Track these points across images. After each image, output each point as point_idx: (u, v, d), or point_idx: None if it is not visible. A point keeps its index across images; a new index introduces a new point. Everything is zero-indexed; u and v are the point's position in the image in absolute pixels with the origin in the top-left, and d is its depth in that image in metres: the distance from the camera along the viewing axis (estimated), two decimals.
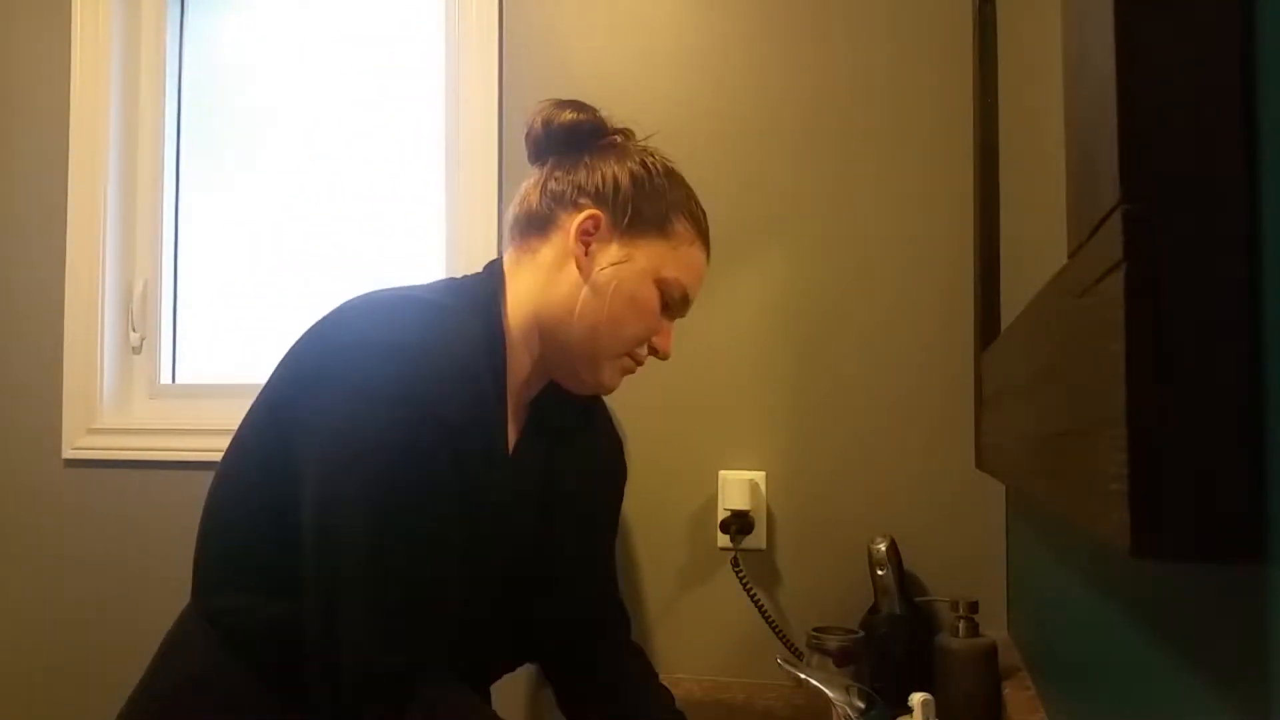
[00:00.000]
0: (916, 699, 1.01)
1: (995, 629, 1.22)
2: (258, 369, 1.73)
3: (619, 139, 1.01)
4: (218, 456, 1.63)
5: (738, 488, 1.41)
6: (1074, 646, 0.81)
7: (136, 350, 1.76)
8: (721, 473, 1.43)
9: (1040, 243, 0.80)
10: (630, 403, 1.46)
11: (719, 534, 1.41)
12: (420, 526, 0.78)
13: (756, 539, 1.41)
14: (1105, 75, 0.40)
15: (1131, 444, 0.37)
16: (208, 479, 1.65)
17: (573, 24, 1.54)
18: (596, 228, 0.95)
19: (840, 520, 1.39)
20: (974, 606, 1.11)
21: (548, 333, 0.96)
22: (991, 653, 1.08)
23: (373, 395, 0.79)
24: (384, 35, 1.74)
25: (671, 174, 1.00)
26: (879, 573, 1.27)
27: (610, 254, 0.95)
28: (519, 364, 0.96)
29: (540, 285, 0.95)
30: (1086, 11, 0.44)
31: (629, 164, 0.97)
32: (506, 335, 0.94)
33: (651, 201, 0.96)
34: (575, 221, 0.94)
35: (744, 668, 1.40)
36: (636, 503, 1.47)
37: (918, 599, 1.31)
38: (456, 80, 1.60)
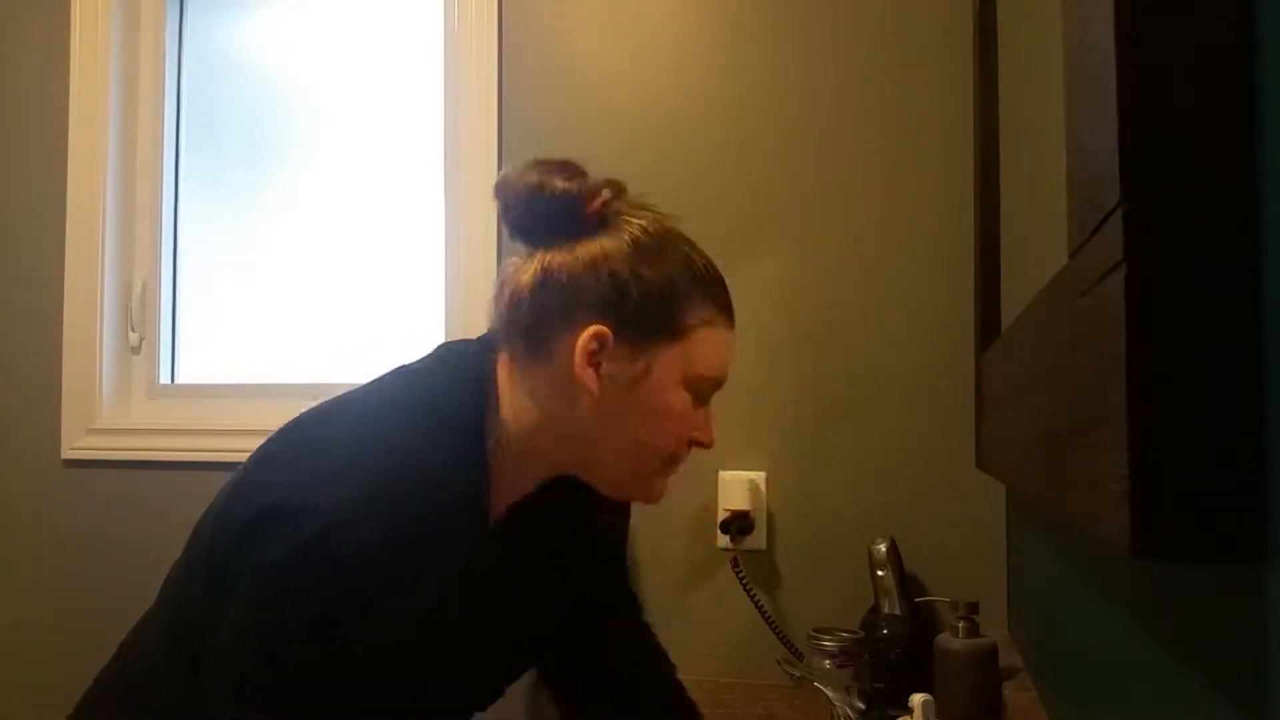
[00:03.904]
0: (917, 699, 1.01)
1: (995, 629, 1.22)
2: (257, 369, 1.74)
3: (606, 202, 0.84)
4: (216, 457, 1.65)
5: (738, 488, 1.41)
6: (1074, 647, 0.81)
7: (135, 350, 1.76)
8: (721, 473, 1.43)
9: (1040, 243, 0.80)
10: None
11: (719, 534, 1.41)
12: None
13: (756, 539, 1.41)
14: (1105, 75, 0.40)
15: (1132, 444, 0.37)
16: (206, 479, 1.66)
17: (572, 24, 1.54)
18: (603, 345, 0.80)
19: (840, 521, 1.39)
20: (974, 607, 1.11)
21: (567, 462, 0.85)
22: (992, 653, 1.08)
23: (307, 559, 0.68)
24: (384, 35, 1.74)
25: (674, 255, 0.84)
26: (879, 573, 1.27)
27: (624, 369, 0.81)
28: (516, 486, 0.86)
29: (548, 412, 0.82)
30: (1087, 11, 0.44)
31: (625, 254, 0.81)
32: (498, 460, 0.81)
33: (661, 301, 0.82)
34: (579, 344, 0.79)
35: (744, 668, 1.40)
36: (636, 504, 1.47)
37: (918, 599, 1.31)
38: (456, 80, 1.60)
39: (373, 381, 0.85)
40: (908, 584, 1.30)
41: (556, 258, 0.82)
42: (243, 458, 1.75)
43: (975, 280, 1.29)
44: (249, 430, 1.62)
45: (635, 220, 0.84)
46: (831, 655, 1.21)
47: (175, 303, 1.80)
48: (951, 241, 1.37)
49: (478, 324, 1.55)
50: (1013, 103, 1.07)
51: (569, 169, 0.84)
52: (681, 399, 0.84)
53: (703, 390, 0.86)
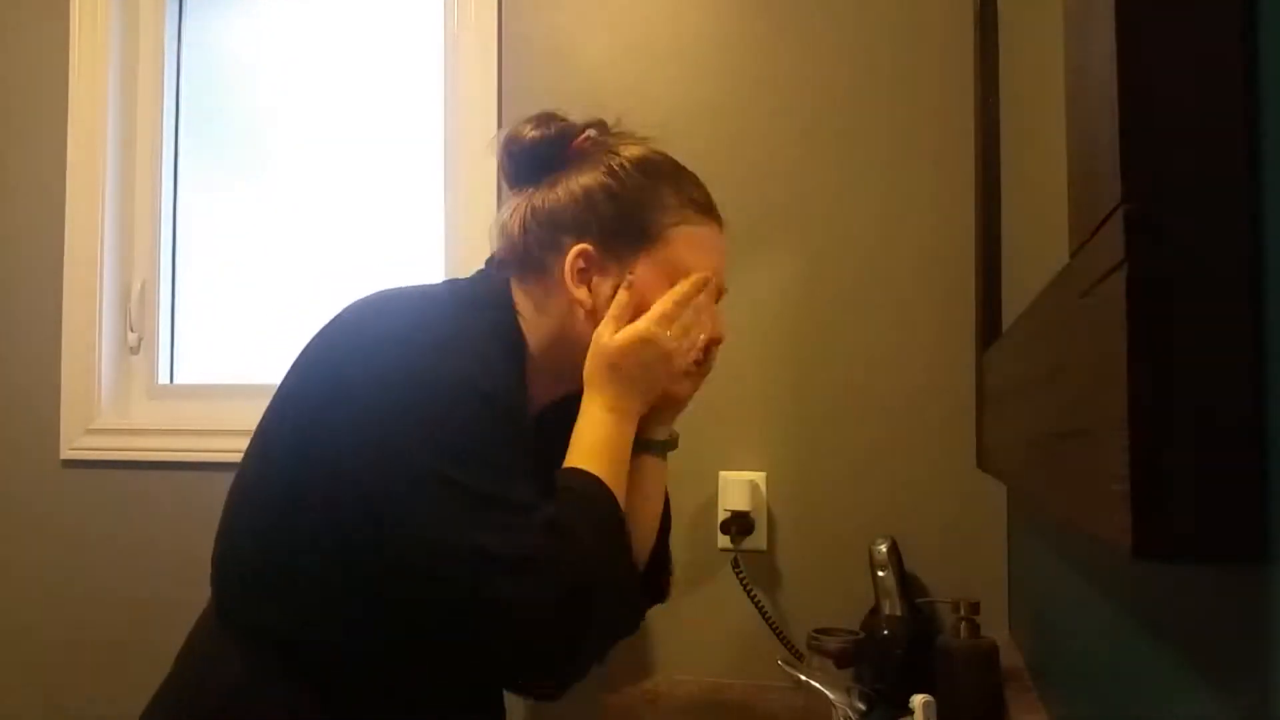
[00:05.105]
0: (918, 700, 1.00)
1: (996, 630, 1.22)
2: (256, 369, 1.73)
3: (590, 139, 0.94)
4: (216, 457, 1.64)
5: (738, 488, 1.40)
6: (1075, 647, 0.81)
7: (134, 350, 1.76)
8: (722, 473, 1.43)
9: (1041, 243, 0.80)
10: None
11: (719, 535, 1.41)
12: (489, 464, 0.76)
13: (757, 540, 1.41)
14: (1107, 75, 0.40)
15: (1133, 444, 0.37)
16: (206, 479, 1.66)
17: (572, 23, 1.54)
18: (589, 262, 0.89)
19: (841, 521, 1.39)
20: (975, 607, 1.11)
21: (577, 365, 0.89)
22: (992, 654, 1.08)
23: (409, 380, 0.77)
24: (384, 35, 1.74)
25: (646, 167, 0.92)
26: (880, 574, 1.27)
27: (611, 280, 0.89)
28: (543, 390, 0.92)
29: (554, 329, 0.90)
30: (1088, 12, 0.44)
31: (599, 177, 0.90)
32: (530, 361, 0.90)
33: (634, 211, 0.89)
34: (567, 264, 0.88)
35: (744, 669, 1.40)
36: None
37: (918, 600, 1.30)
38: (456, 80, 1.60)
39: (409, 286, 0.91)
40: (908, 584, 1.30)
41: (540, 194, 0.92)
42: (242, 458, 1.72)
43: (976, 280, 1.29)
44: (249, 430, 1.62)
45: (615, 148, 0.93)
46: (832, 656, 1.21)
47: (174, 303, 1.80)
48: (952, 241, 1.37)
49: None
50: (1014, 102, 1.07)
51: (552, 117, 0.94)
52: None
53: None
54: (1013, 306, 1.00)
